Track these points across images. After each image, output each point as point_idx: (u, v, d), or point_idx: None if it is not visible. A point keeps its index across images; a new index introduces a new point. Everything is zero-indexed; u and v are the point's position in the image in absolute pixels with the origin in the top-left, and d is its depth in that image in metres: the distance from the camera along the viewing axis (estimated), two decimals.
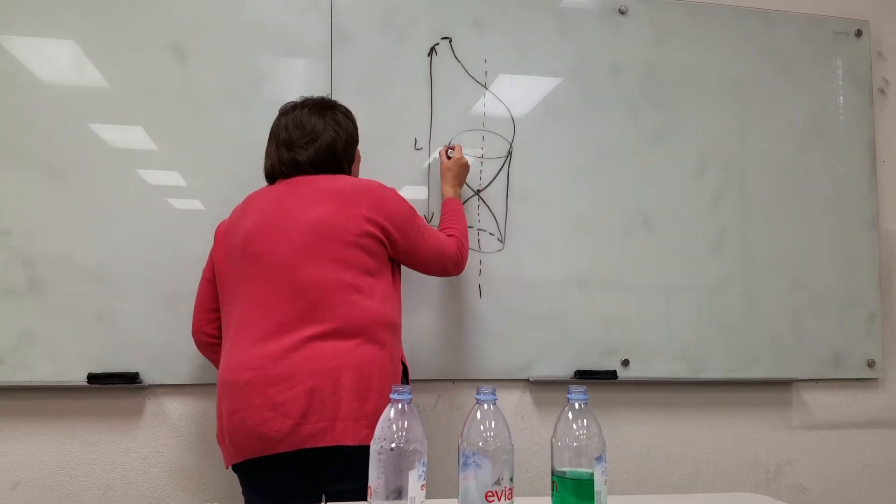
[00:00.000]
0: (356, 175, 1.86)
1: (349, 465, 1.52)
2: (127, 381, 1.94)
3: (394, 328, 1.64)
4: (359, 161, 1.86)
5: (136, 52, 2.02)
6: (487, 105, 2.21)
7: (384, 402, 1.53)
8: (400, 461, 1.04)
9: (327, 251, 1.57)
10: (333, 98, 2.08)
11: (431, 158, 2.16)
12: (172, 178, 2.03)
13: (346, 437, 1.49)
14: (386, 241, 1.64)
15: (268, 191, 1.71)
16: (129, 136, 2.01)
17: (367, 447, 1.47)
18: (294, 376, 1.50)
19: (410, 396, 1.08)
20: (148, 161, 2.01)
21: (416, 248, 1.72)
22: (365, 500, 1.32)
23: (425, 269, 1.80)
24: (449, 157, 2.07)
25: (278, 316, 1.56)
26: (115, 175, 1.99)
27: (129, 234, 1.98)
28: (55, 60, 1.98)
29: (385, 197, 1.66)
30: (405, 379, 1.66)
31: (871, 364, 2.40)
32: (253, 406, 1.51)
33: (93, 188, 1.97)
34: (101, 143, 1.99)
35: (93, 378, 1.92)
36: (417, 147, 2.16)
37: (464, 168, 2.06)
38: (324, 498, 1.56)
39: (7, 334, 1.90)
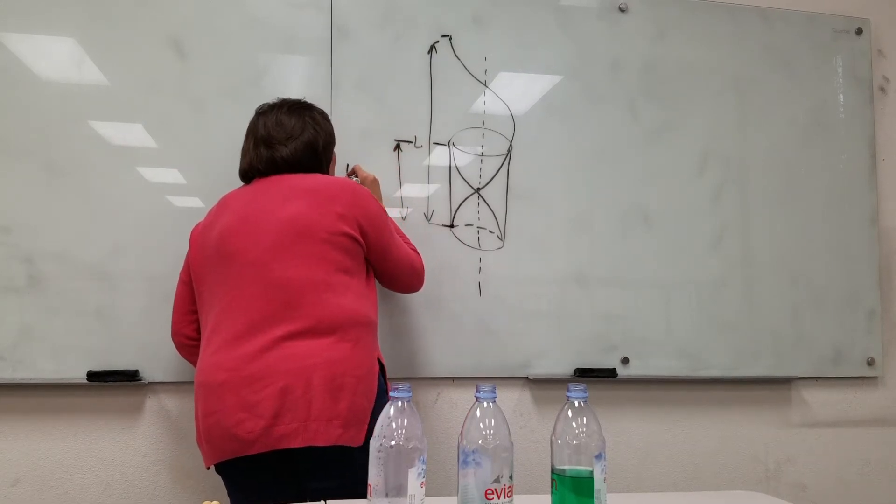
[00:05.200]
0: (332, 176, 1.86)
1: (324, 464, 1.52)
2: (127, 378, 1.94)
3: (368, 326, 1.62)
4: (335, 163, 1.86)
5: (136, 49, 2.02)
6: (487, 103, 2.21)
7: (359, 400, 1.53)
8: (399, 459, 1.04)
9: (301, 249, 1.57)
10: (332, 95, 2.10)
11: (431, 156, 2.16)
12: (172, 176, 2.02)
13: (317, 438, 1.49)
14: (361, 240, 1.64)
15: (242, 191, 1.71)
16: (129, 134, 2.00)
17: (341, 448, 1.48)
18: (267, 377, 1.50)
19: (410, 394, 1.08)
20: (147, 158, 2.01)
21: (387, 253, 1.71)
22: (345, 496, 1.32)
23: (392, 277, 1.78)
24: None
25: (252, 315, 1.55)
26: (115, 172, 1.98)
27: (129, 232, 1.98)
28: (54, 57, 1.98)
29: (359, 195, 1.66)
30: (382, 377, 1.64)
31: (870, 362, 2.40)
32: (227, 407, 1.51)
33: (93, 185, 1.97)
34: (100, 141, 1.98)
35: (93, 375, 1.92)
36: (417, 145, 2.16)
37: (374, 184, 1.94)
38: (307, 498, 1.56)
39: (7, 331, 1.90)
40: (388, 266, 1.75)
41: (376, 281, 1.78)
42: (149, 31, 2.03)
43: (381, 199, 1.98)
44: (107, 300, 1.95)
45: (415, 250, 1.86)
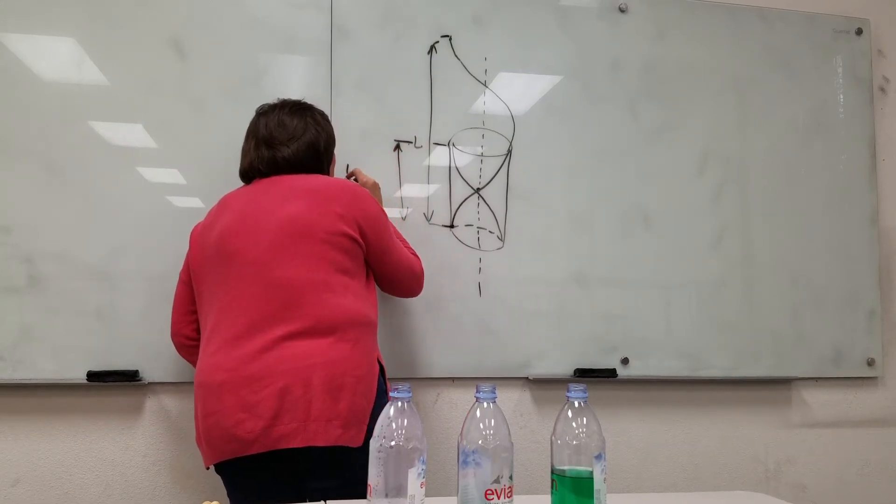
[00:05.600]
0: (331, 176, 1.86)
1: (324, 464, 1.52)
2: (127, 378, 1.93)
3: (368, 326, 1.62)
4: (335, 163, 1.86)
5: (136, 49, 2.02)
6: (487, 103, 2.21)
7: (358, 400, 1.53)
8: (399, 459, 1.04)
9: (300, 249, 1.57)
10: (332, 95, 2.10)
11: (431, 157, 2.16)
12: (172, 176, 2.02)
13: (317, 438, 1.48)
14: (360, 240, 1.63)
15: (243, 191, 1.71)
16: (129, 134, 2.00)
17: (340, 448, 1.48)
18: (266, 377, 1.50)
19: (410, 394, 1.08)
20: (147, 158, 2.01)
21: (386, 255, 1.71)
22: (345, 496, 1.32)
23: (391, 280, 1.78)
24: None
25: (251, 316, 1.55)
26: (115, 172, 1.98)
27: (129, 232, 1.98)
28: (55, 57, 1.98)
29: (359, 196, 1.66)
30: (382, 378, 1.64)
31: (870, 363, 2.40)
32: (227, 407, 1.51)
33: (92, 185, 1.97)
34: (100, 141, 1.98)
35: (92, 376, 1.92)
36: (417, 145, 2.16)
37: (375, 188, 1.94)
38: (307, 498, 1.57)
39: (7, 331, 1.90)
40: (387, 269, 1.74)
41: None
42: (149, 31, 2.03)
43: (381, 202, 1.97)
44: (107, 300, 1.95)
45: (415, 254, 1.86)
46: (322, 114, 1.80)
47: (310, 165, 1.71)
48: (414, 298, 2.08)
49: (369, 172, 1.98)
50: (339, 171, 1.98)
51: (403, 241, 1.89)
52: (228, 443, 1.51)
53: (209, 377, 1.55)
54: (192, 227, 1.77)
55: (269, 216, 1.60)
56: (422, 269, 1.85)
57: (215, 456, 1.56)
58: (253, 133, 1.74)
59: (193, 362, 1.77)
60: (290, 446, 1.48)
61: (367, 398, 1.55)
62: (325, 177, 1.71)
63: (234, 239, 1.61)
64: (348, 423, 1.50)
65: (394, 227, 1.83)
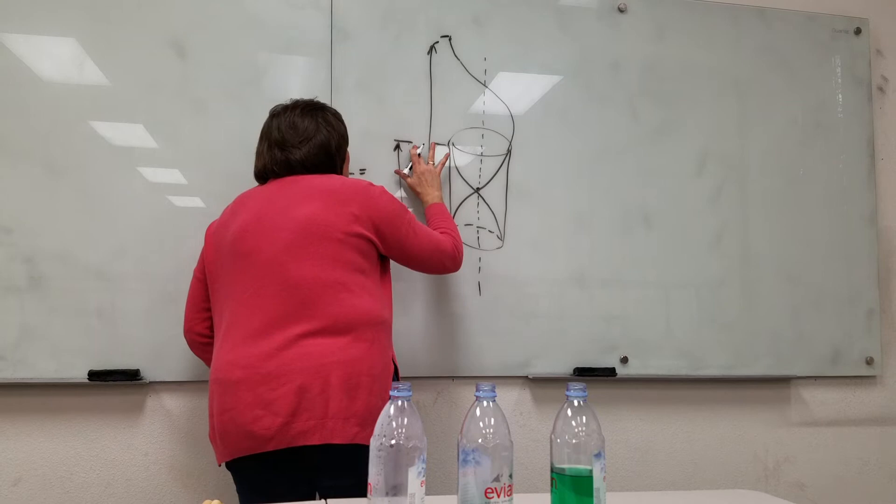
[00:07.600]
0: (345, 176, 1.87)
1: (340, 462, 1.53)
2: (128, 377, 1.94)
3: (384, 326, 1.63)
4: (348, 162, 1.87)
5: (137, 50, 2.02)
6: (487, 103, 2.21)
7: (374, 399, 1.53)
8: (399, 458, 1.04)
9: (316, 249, 1.58)
10: (333, 95, 2.10)
11: (429, 157, 2.16)
12: (173, 176, 2.03)
13: (334, 436, 1.50)
14: (376, 240, 1.65)
15: (259, 190, 1.72)
16: (130, 134, 2.01)
17: (357, 445, 1.49)
18: (284, 374, 1.51)
19: (410, 393, 1.09)
20: (148, 158, 2.01)
21: (408, 245, 1.72)
22: (358, 495, 1.32)
23: (422, 265, 1.80)
24: (425, 162, 1.97)
25: (268, 314, 1.56)
26: (116, 172, 1.99)
27: (130, 232, 1.98)
28: (55, 58, 1.98)
29: (374, 195, 1.67)
30: (395, 378, 1.65)
31: (869, 361, 2.40)
32: (243, 404, 1.52)
33: (93, 186, 1.97)
34: (101, 141, 1.99)
35: (93, 375, 1.93)
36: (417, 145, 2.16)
37: (432, 175, 2.04)
38: (317, 495, 1.57)
39: (8, 331, 1.91)
40: (414, 257, 1.75)
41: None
42: (149, 31, 2.03)
43: (440, 187, 2.02)
44: (107, 300, 1.95)
45: (449, 232, 1.85)
46: (335, 113, 1.80)
47: (322, 166, 1.72)
48: (414, 298, 2.10)
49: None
50: (351, 170, 1.99)
51: (447, 221, 1.91)
52: (244, 440, 1.52)
53: (225, 374, 1.56)
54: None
55: (285, 216, 1.61)
56: (454, 246, 1.83)
57: (229, 453, 1.57)
58: (266, 135, 1.75)
59: (205, 360, 1.78)
60: (308, 443, 1.49)
61: (382, 398, 1.55)
62: (339, 177, 1.72)
63: (250, 238, 1.62)
64: (365, 421, 1.52)
65: (440, 208, 1.91)
